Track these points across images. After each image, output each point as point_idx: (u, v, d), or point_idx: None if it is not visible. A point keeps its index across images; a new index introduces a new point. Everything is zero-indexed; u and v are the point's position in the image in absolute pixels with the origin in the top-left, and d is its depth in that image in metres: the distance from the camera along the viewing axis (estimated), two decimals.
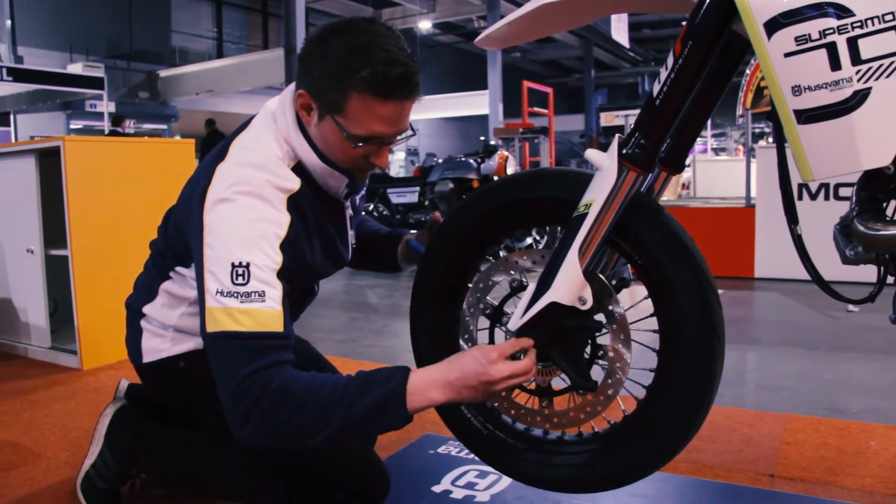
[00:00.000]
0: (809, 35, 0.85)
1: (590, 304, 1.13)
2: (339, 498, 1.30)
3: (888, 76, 0.83)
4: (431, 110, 23.92)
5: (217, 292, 1.11)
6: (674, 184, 8.36)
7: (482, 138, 8.43)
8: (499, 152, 6.00)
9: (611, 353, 1.17)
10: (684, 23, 1.03)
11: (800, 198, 4.51)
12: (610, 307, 1.16)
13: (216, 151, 1.25)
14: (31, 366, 2.92)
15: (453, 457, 1.82)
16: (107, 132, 9.20)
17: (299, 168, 1.24)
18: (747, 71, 14.47)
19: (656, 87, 1.04)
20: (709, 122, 11.24)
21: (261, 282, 1.12)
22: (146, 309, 1.40)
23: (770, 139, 12.27)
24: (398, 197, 6.39)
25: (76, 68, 13.74)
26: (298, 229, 1.21)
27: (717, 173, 11.04)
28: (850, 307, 3.59)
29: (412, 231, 1.60)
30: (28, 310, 3.06)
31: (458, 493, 1.63)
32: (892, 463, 1.72)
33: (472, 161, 6.13)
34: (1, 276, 3.12)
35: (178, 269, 1.35)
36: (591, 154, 1.11)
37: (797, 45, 0.86)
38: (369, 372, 1.13)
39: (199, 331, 1.17)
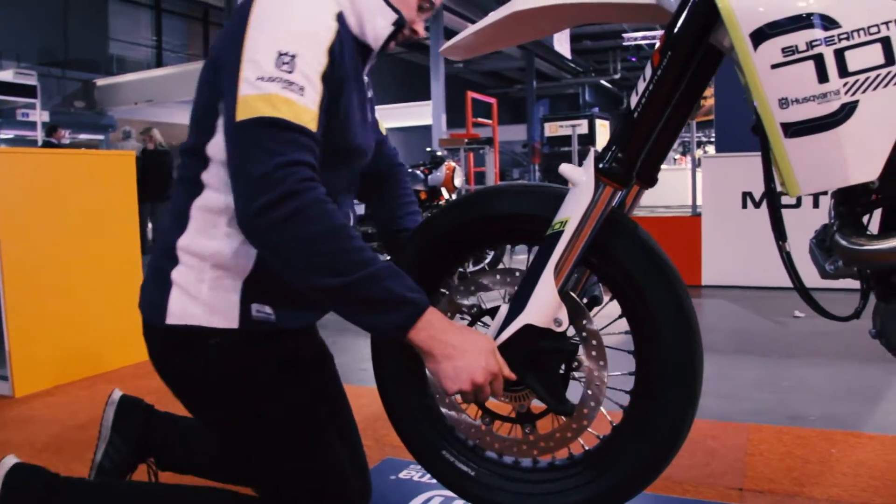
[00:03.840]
0: (797, 46, 0.82)
1: (566, 325, 1.08)
2: None
3: (875, 89, 0.82)
4: None
5: (257, 78, 1.01)
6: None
7: (429, 149, 8.39)
8: (446, 163, 5.97)
9: (585, 374, 1.13)
10: (661, 34, 1.00)
11: (757, 206, 4.60)
12: (584, 326, 1.12)
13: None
14: None
15: (416, 482, 1.76)
16: (40, 143, 8.81)
17: (340, 18, 1.13)
18: None
19: (634, 100, 1.01)
20: None
21: (304, 76, 1.03)
22: (181, 242, 1.16)
23: (707, 149, 12.63)
24: None
25: (6, 75, 13.12)
26: (344, 51, 1.11)
27: (661, 182, 11.23)
28: (797, 312, 3.67)
29: None
30: None
31: None
32: (855, 470, 1.74)
33: (419, 172, 6.08)
34: None
35: (213, 146, 1.14)
36: (566, 169, 1.06)
37: (784, 56, 0.83)
38: (405, 280, 1.03)
39: (225, 130, 1.06)
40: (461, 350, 1.02)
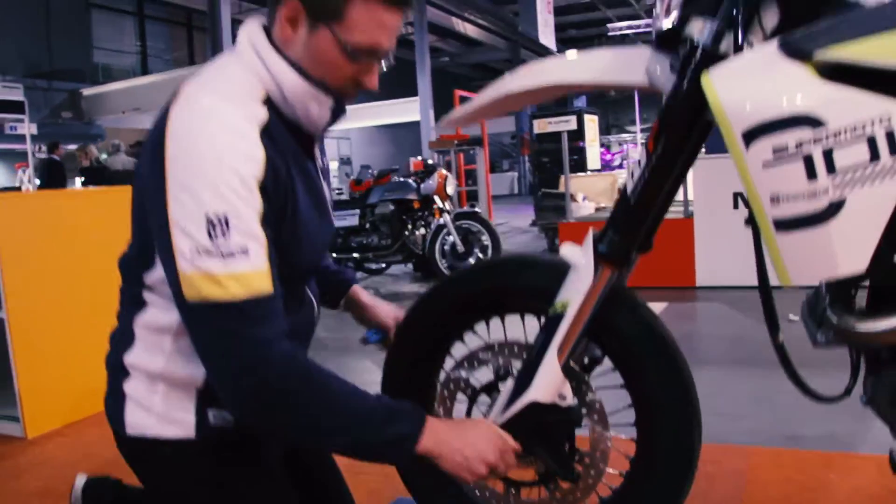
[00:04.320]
0: (787, 146, 0.86)
1: (570, 400, 1.13)
2: None
3: (862, 185, 0.86)
4: (363, 119, 23.76)
5: (191, 251, 0.96)
6: (610, 189, 8.57)
7: (420, 158, 8.47)
8: (438, 171, 6.01)
9: (592, 447, 1.18)
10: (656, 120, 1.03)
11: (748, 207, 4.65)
12: (587, 396, 1.17)
13: (168, 99, 1.07)
14: None
15: None
16: (44, 158, 8.93)
17: (269, 102, 1.07)
18: None
19: (630, 185, 1.05)
20: (637, 118, 11.51)
21: (242, 234, 0.97)
22: (128, 359, 1.16)
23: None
24: (338, 220, 6.31)
25: None
26: (278, 164, 1.04)
27: None
28: (791, 316, 3.72)
29: (358, 282, 1.50)
30: None
31: None
32: (851, 497, 1.79)
33: (411, 182, 6.13)
34: None
35: (150, 276, 1.12)
36: (566, 251, 1.11)
37: (775, 156, 0.87)
38: (392, 402, 1.07)
39: (174, 296, 1.02)
40: (467, 444, 1.06)
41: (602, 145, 24.27)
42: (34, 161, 11.05)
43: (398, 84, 24.33)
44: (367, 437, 1.02)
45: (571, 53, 1.15)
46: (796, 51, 0.88)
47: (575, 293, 1.09)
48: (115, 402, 1.17)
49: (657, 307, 4.41)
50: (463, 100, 12.13)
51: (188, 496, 1.19)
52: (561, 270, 1.16)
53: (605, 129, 38.86)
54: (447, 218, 5.79)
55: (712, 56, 0.96)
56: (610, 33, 24.78)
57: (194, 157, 0.97)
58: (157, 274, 1.09)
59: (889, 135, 0.84)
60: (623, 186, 1.07)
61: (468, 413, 1.29)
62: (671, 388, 1.15)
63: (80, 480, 1.48)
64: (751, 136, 0.88)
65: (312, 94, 1.08)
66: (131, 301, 1.17)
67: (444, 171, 6.00)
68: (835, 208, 0.86)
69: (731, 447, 2.16)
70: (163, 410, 1.13)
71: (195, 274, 0.97)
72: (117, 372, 1.17)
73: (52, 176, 9.65)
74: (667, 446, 1.16)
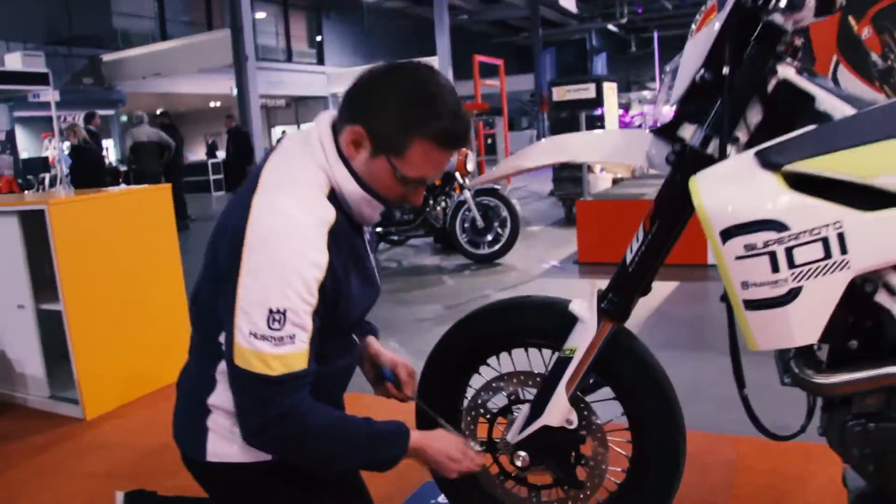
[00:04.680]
0: (756, 245, 1.05)
1: (575, 424, 1.35)
2: None
3: (816, 277, 1.05)
4: None
5: (250, 333, 1.17)
6: (626, 167, 8.64)
7: None
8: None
9: (591, 458, 1.41)
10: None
11: None
12: (592, 419, 1.39)
13: (249, 181, 1.28)
14: (33, 416, 3.04)
15: None
16: (82, 129, 9.15)
17: (332, 196, 1.27)
18: (693, 25, 14.90)
19: (629, 256, 1.25)
20: (657, 75, 11.48)
21: (295, 325, 1.18)
22: (211, 401, 1.36)
23: None
24: None
25: (15, 58, 13.22)
26: (338, 267, 1.24)
27: None
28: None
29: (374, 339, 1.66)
30: (23, 361, 3.16)
31: None
32: (827, 488, 2.00)
33: None
34: None
35: (223, 336, 1.30)
36: (575, 307, 1.32)
37: (746, 251, 1.06)
38: (380, 429, 1.32)
39: (225, 354, 1.23)
40: (435, 454, 1.36)
41: (621, 105, 24.06)
42: (59, 126, 11.29)
43: (416, 43, 24.20)
44: (361, 462, 1.34)
45: (581, 135, 1.34)
46: (769, 162, 1.06)
47: (581, 342, 1.30)
48: (194, 434, 1.39)
49: (668, 287, 4.59)
50: (482, 65, 12.17)
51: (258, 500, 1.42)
52: (563, 314, 1.37)
53: (625, 86, 38.34)
54: (467, 194, 5.97)
55: (701, 157, 1.14)
56: None
57: (269, 256, 1.17)
58: (223, 367, 1.31)
59: (840, 236, 1.03)
60: (624, 257, 1.26)
61: (489, 434, 1.53)
62: (660, 412, 1.36)
63: (120, 496, 1.67)
64: (727, 234, 1.07)
65: (367, 201, 1.29)
66: (208, 353, 1.37)
67: (464, 149, 6.14)
68: (793, 294, 1.06)
69: (726, 437, 2.38)
70: (242, 442, 1.33)
71: (248, 350, 1.18)
72: (199, 410, 1.38)
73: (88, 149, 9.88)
74: (656, 452, 1.38)
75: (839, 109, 1.10)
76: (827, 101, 1.12)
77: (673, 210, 1.19)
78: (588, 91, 10.41)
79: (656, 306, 4.12)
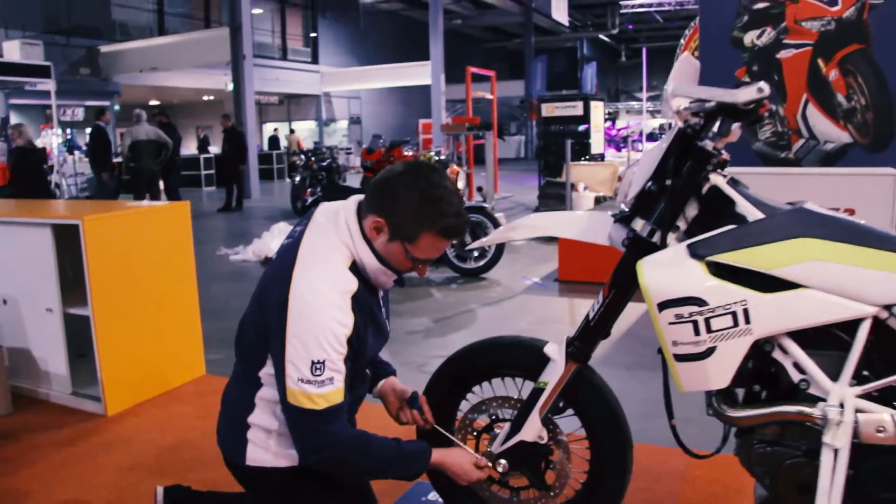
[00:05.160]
0: (683, 314, 1.41)
1: (546, 440, 1.70)
2: None
3: (726, 340, 1.40)
4: (374, 80, 24.01)
5: (298, 379, 1.54)
6: (611, 179, 9.06)
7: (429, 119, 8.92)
8: (450, 167, 6.51)
9: (558, 465, 1.77)
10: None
11: None
12: (558, 436, 1.75)
13: (286, 254, 1.66)
14: (56, 412, 3.33)
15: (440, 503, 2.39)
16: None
17: (354, 266, 1.64)
18: (682, 41, 15.31)
19: (591, 313, 1.60)
20: (644, 85, 11.93)
21: (332, 370, 1.55)
22: (251, 419, 1.74)
23: None
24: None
25: (13, 47, 13.40)
26: (360, 323, 1.60)
27: None
28: (527, 279, 4.30)
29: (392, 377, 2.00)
30: (48, 360, 3.46)
31: None
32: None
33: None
34: (21, 330, 3.50)
35: (266, 371, 1.70)
36: (549, 350, 1.68)
37: (675, 319, 1.42)
38: (407, 448, 1.68)
39: (279, 394, 1.60)
40: (456, 467, 1.73)
41: (609, 117, 24.50)
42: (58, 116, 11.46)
43: (410, 45, 24.51)
44: (394, 475, 1.71)
45: (560, 214, 1.70)
46: (695, 254, 1.42)
47: (552, 377, 1.66)
48: (236, 444, 1.77)
49: (638, 310, 4.95)
50: (474, 76, 12.54)
51: (294, 501, 1.79)
52: (539, 353, 1.72)
53: (614, 95, 38.93)
54: None
55: (646, 244, 1.50)
56: (623, 3, 24.80)
57: (309, 322, 1.54)
58: (268, 369, 1.69)
59: (745, 311, 1.39)
60: (587, 314, 1.62)
61: (476, 447, 1.88)
62: (612, 430, 1.72)
63: (160, 490, 2.06)
64: (662, 306, 1.42)
65: (383, 271, 1.67)
66: (249, 382, 1.76)
67: (455, 167, 6.50)
68: (710, 352, 1.41)
69: (676, 451, 2.73)
70: (277, 450, 1.74)
71: (297, 391, 1.55)
72: (241, 426, 1.76)
73: (98, 142, 10.25)
74: (609, 461, 1.75)
75: (752, 213, 1.46)
76: (743, 206, 1.47)
77: (625, 283, 1.55)
78: (576, 108, 10.86)
79: (627, 329, 4.48)
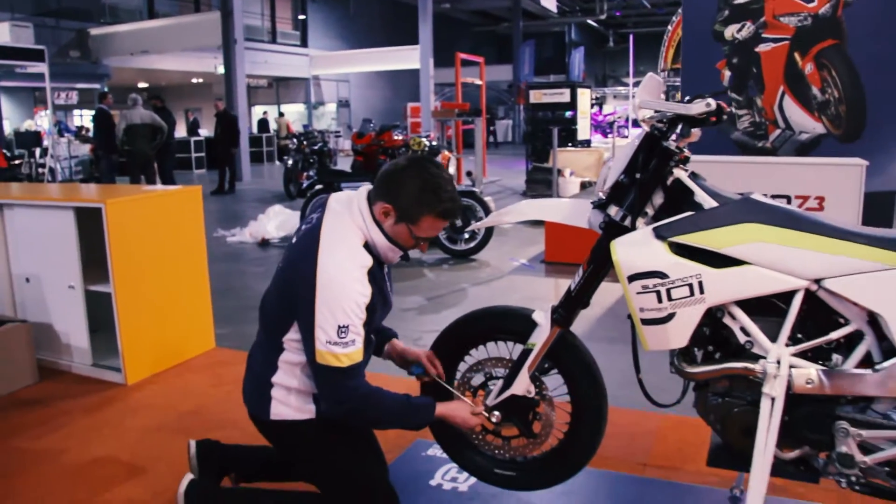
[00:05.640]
0: (648, 286, 1.70)
1: (533, 394, 1.99)
2: None
3: (684, 307, 1.69)
4: (363, 63, 24.09)
5: (327, 342, 1.83)
6: (596, 164, 9.34)
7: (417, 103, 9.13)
8: (442, 153, 6.77)
9: (544, 416, 2.06)
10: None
11: None
12: (544, 391, 2.04)
13: (309, 236, 1.92)
14: (79, 381, 3.59)
15: (439, 457, 2.68)
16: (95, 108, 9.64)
17: (367, 245, 1.94)
18: (669, 27, 15.56)
19: (573, 285, 1.89)
20: (631, 70, 12.23)
21: (354, 333, 1.85)
22: (274, 379, 2.02)
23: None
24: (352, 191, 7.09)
25: (2, 29, 13.42)
26: (375, 293, 1.92)
27: None
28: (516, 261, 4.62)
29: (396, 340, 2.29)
30: (69, 334, 3.71)
31: (447, 486, 2.50)
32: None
33: None
34: (44, 306, 3.74)
35: (288, 338, 1.99)
36: (536, 316, 1.96)
37: (642, 289, 1.70)
38: (416, 402, 1.98)
39: (307, 354, 1.89)
40: (457, 416, 2.02)
41: (596, 102, 24.72)
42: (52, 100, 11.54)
43: (399, 29, 24.59)
44: (406, 424, 2.03)
45: (547, 201, 1.99)
46: (659, 235, 1.71)
47: (538, 339, 1.94)
48: (261, 401, 2.05)
49: (620, 289, 5.27)
50: (463, 61, 12.76)
51: (312, 448, 2.08)
52: (528, 320, 2.01)
53: (602, 80, 39.14)
54: None
55: (619, 227, 1.78)
56: None
57: (334, 291, 1.84)
58: (290, 335, 1.99)
59: (699, 283, 1.68)
60: (570, 285, 1.90)
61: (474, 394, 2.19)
62: (590, 388, 2.01)
63: (192, 443, 2.37)
64: (631, 278, 1.71)
65: (391, 249, 1.98)
66: (272, 347, 2.04)
67: (446, 153, 6.75)
68: (670, 317, 1.70)
69: (651, 413, 3.05)
70: (296, 406, 2.03)
71: (326, 352, 1.85)
72: (265, 385, 2.05)
73: (103, 124, 10.55)
74: (587, 413, 2.03)
75: (707, 202, 1.75)
76: (700, 196, 1.76)
77: (601, 259, 1.84)
78: (563, 95, 11.12)
79: (609, 306, 4.79)
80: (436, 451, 2.74)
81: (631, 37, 18.43)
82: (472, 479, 2.51)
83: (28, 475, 2.65)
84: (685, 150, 1.80)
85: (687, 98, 1.70)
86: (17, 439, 2.95)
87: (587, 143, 12.22)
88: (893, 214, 5.09)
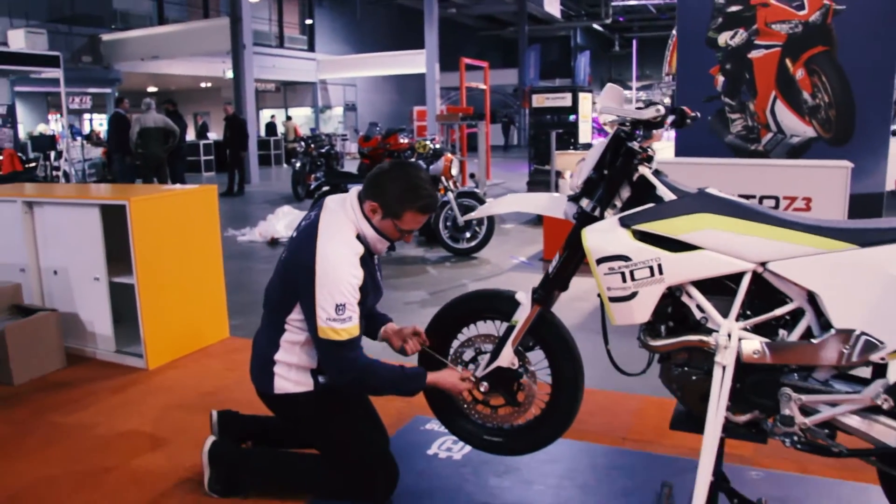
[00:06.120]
0: (613, 268, 1.94)
1: (517, 366, 2.25)
2: (368, 484, 2.36)
3: (646, 287, 1.94)
4: (370, 68, 24.39)
5: (327, 319, 2.11)
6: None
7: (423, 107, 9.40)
8: (444, 155, 7.02)
9: (527, 387, 2.31)
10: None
11: None
12: (526, 364, 2.30)
13: (308, 229, 2.21)
14: (104, 366, 3.86)
15: (436, 431, 2.94)
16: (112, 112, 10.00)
17: (359, 237, 2.22)
18: (673, 32, 15.76)
19: (550, 268, 2.14)
20: (634, 74, 12.45)
21: (350, 310, 2.13)
22: (276, 357, 2.31)
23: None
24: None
25: (18, 35, 13.79)
26: (367, 278, 2.20)
27: None
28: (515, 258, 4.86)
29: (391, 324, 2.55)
30: (94, 322, 3.98)
31: (442, 455, 2.76)
32: None
33: (421, 163, 7.15)
34: (69, 297, 4.02)
35: (290, 319, 2.28)
36: (519, 296, 2.21)
37: (609, 271, 1.95)
38: (409, 372, 2.25)
39: (310, 332, 2.17)
40: (447, 382, 2.27)
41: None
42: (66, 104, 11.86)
43: (405, 33, 24.89)
44: (401, 390, 2.29)
45: (526, 195, 2.25)
46: (624, 224, 1.96)
47: (521, 317, 2.20)
48: (266, 377, 2.34)
49: None
50: (468, 66, 13.03)
51: (313, 418, 2.34)
52: (512, 300, 2.26)
53: (607, 83, 39.35)
54: (451, 196, 6.84)
55: (590, 217, 2.04)
56: (614, 2, 25.18)
57: (331, 275, 2.13)
58: (293, 315, 2.27)
59: (659, 266, 1.92)
60: (548, 267, 2.15)
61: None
62: (568, 361, 2.26)
63: (214, 413, 2.63)
64: (599, 261, 1.96)
65: (379, 240, 2.28)
66: (275, 329, 2.33)
67: (449, 155, 7.00)
68: (633, 295, 1.95)
69: (635, 395, 3.31)
70: (296, 380, 2.31)
71: (326, 327, 2.13)
72: (268, 363, 2.33)
73: (118, 128, 10.88)
74: (565, 386, 2.28)
75: (667, 195, 1.99)
76: (661, 190, 2.01)
77: (574, 245, 2.09)
78: (565, 100, 11.36)
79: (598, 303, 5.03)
80: (433, 425, 2.99)
81: (634, 42, 18.68)
82: (466, 449, 2.76)
83: (62, 445, 2.92)
84: (649, 149, 2.05)
85: (640, 105, 1.95)
86: (50, 414, 3.22)
87: (588, 146, 12.45)
88: (881, 215, 5.31)
